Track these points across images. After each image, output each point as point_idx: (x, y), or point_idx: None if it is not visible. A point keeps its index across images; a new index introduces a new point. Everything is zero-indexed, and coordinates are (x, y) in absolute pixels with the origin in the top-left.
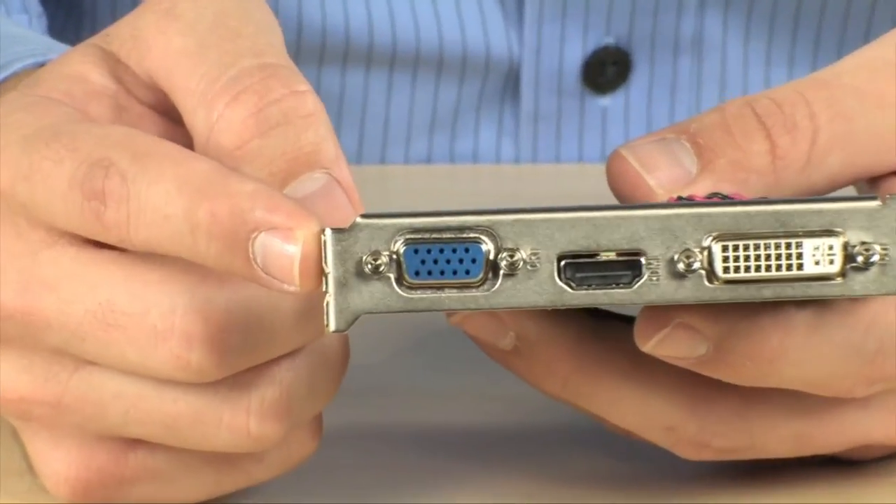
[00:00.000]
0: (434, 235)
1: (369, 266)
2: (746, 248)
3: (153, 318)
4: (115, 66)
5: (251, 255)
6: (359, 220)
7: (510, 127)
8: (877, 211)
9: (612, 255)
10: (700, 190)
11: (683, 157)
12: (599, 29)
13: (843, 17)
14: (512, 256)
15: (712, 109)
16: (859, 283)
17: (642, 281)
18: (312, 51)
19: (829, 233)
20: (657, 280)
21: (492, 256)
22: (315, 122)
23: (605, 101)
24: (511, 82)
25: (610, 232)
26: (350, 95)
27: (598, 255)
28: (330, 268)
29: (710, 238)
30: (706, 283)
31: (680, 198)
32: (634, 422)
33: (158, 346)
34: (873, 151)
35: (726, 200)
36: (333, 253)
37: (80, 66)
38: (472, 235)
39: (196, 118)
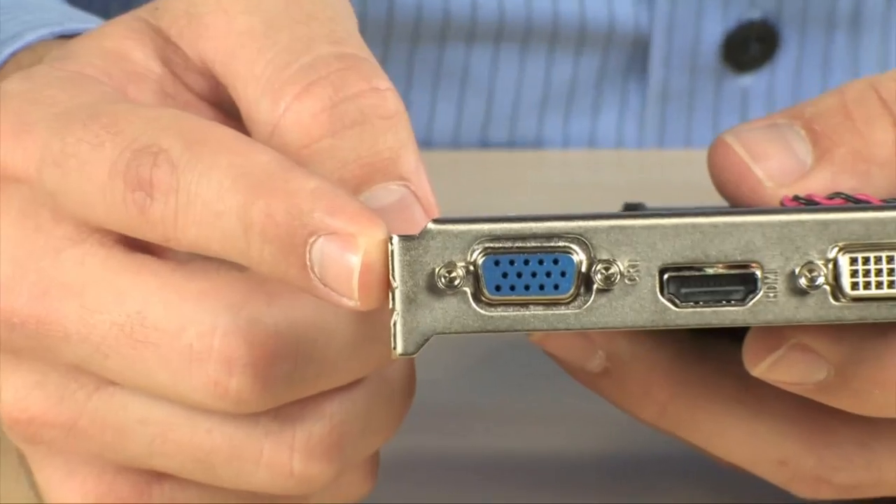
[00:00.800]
0: (518, 245)
1: (443, 279)
2: (878, 260)
3: (190, 336)
4: (164, 45)
5: (308, 263)
6: (431, 225)
7: (635, 107)
8: None
9: (722, 268)
10: (816, 184)
11: (797, 145)
12: (742, 1)
13: None
14: (607, 269)
15: (831, 92)
16: None
17: (757, 297)
18: (405, 25)
19: None
20: (775, 297)
21: (584, 269)
22: (396, 124)
23: (747, 80)
24: (638, 57)
25: (720, 241)
26: (448, 70)
27: (706, 267)
28: (397, 281)
29: (836, 249)
30: (831, 300)
31: (796, 198)
32: (742, 455)
33: (194, 369)
34: None
35: (854, 205)
36: (401, 264)
37: (121, 41)
38: (561, 244)
39: (258, 110)
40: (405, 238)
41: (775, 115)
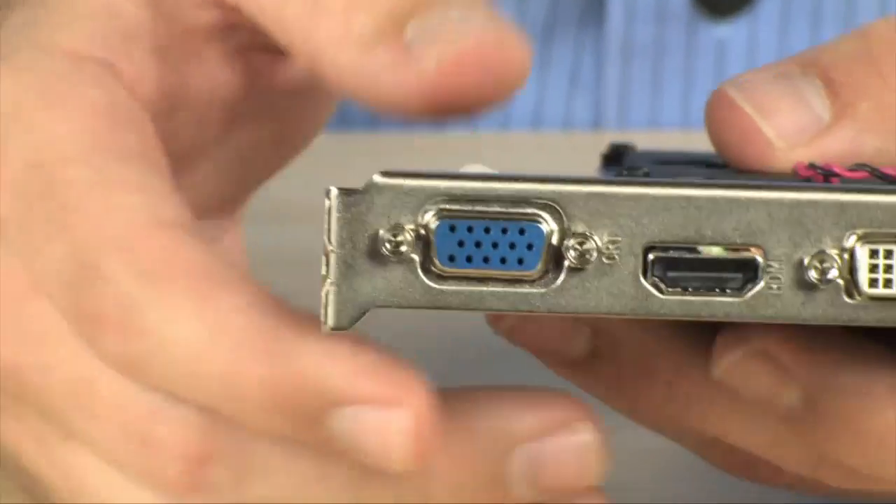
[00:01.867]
0: (478, 208)
1: (387, 244)
2: None
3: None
4: None
5: (329, 431)
6: (377, 178)
7: (590, 65)
8: None
9: (718, 251)
10: (836, 145)
11: (813, 98)
12: None
13: None
14: (582, 244)
15: (852, 34)
16: None
17: (758, 289)
18: None
19: None
20: (778, 289)
21: (555, 242)
22: None
23: (724, 29)
24: (593, 3)
25: (718, 218)
26: None
27: (699, 249)
28: (333, 244)
29: (854, 237)
30: (844, 297)
31: (812, 166)
32: (764, 437)
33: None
34: None
35: (880, 184)
36: (339, 222)
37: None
38: (530, 212)
39: (283, 11)
40: (346, 192)
41: (783, 62)
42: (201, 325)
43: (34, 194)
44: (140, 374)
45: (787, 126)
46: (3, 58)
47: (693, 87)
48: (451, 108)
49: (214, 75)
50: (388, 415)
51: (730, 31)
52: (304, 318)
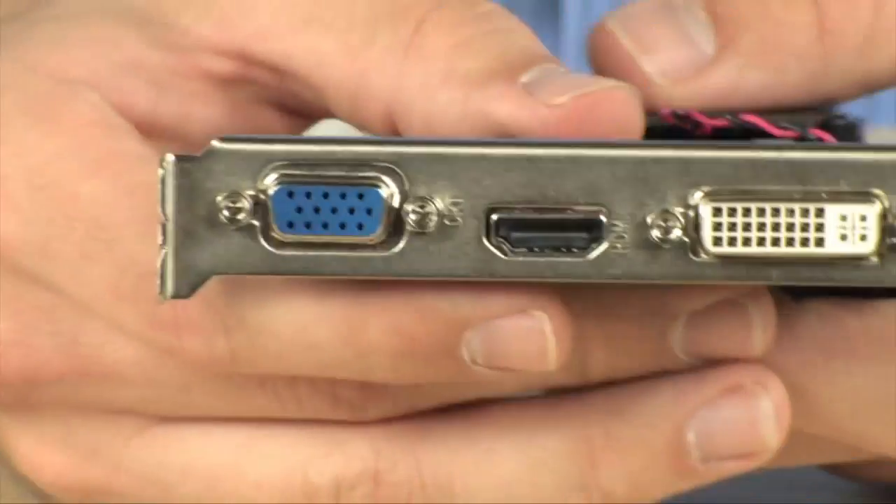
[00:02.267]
0: (317, 173)
1: (226, 211)
2: (747, 211)
3: None
4: (165, 31)
5: (465, 357)
6: (215, 143)
7: None
8: None
9: (562, 211)
10: (719, 80)
11: (695, 30)
12: None
13: None
14: (423, 207)
15: None
16: None
17: (602, 248)
18: None
19: (863, 196)
20: (623, 248)
21: (395, 206)
22: (521, 27)
23: None
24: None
25: (561, 178)
26: None
27: (542, 209)
28: (170, 211)
29: (700, 194)
30: (690, 255)
31: (674, 113)
32: None
33: None
34: None
35: (725, 142)
36: (176, 189)
37: (112, 28)
38: (369, 175)
39: (359, 58)
40: (183, 158)
41: None
42: (302, 304)
43: (52, 217)
44: (243, 365)
45: (667, 62)
46: None
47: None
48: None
49: (216, 120)
50: (524, 321)
51: None
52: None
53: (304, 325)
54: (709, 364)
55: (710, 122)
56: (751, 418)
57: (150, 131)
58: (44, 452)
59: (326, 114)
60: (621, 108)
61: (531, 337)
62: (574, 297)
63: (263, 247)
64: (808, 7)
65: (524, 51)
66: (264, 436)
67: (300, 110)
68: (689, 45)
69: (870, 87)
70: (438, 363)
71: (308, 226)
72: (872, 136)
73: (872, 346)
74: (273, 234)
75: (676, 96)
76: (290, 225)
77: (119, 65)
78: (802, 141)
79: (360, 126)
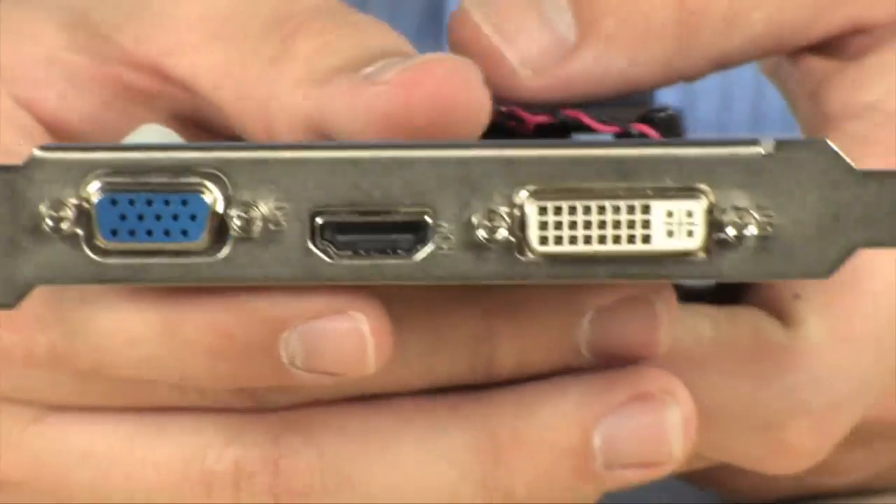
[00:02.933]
0: (140, 180)
1: (49, 220)
2: (573, 210)
3: None
4: (91, 37)
5: (283, 358)
6: (37, 152)
7: None
8: (758, 162)
9: (387, 214)
10: (581, 66)
11: (556, 16)
12: None
13: None
14: (247, 212)
15: None
16: (730, 262)
17: (428, 249)
18: None
19: (689, 192)
20: (449, 249)
21: (219, 211)
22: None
23: None
24: (432, 20)
25: (385, 180)
26: None
27: (367, 211)
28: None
29: (525, 193)
30: (516, 255)
31: (498, 109)
32: None
33: None
34: (802, 7)
35: (550, 141)
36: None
37: (36, 23)
38: (192, 182)
39: (245, 73)
40: (4, 169)
41: None
42: (120, 301)
43: None
44: (64, 363)
45: (528, 50)
46: None
47: None
48: (405, 128)
49: (129, 132)
50: (341, 322)
51: None
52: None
53: (122, 323)
54: (617, 366)
55: (532, 119)
56: (657, 427)
57: (58, 130)
58: None
59: (233, 131)
60: (447, 80)
61: (349, 338)
62: (478, 291)
63: (88, 255)
64: None
65: (377, 48)
66: (164, 422)
67: (212, 128)
68: (549, 32)
69: (725, 66)
70: (256, 364)
71: (132, 233)
72: None
73: (722, 359)
74: (97, 243)
75: (539, 86)
76: (114, 233)
77: (37, 58)
78: (626, 136)
79: (257, 141)
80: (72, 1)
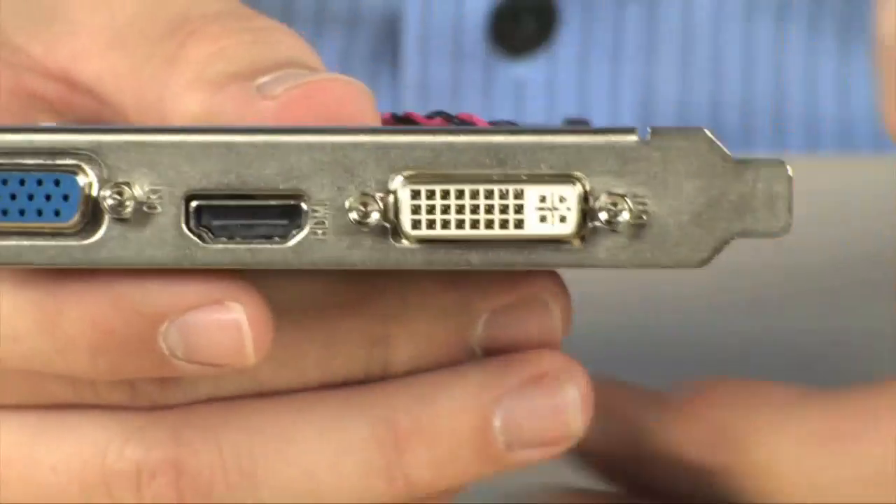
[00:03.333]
0: (14, 161)
1: None
2: (446, 194)
3: None
4: (1, 51)
5: (164, 350)
6: None
7: (385, 106)
8: (633, 149)
9: (261, 198)
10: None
11: None
12: None
13: None
14: (121, 194)
15: None
16: (605, 250)
17: (302, 234)
18: None
19: (563, 178)
20: (323, 234)
21: (93, 192)
22: (290, 35)
23: (522, 69)
24: (388, 40)
25: (260, 164)
26: None
27: (242, 196)
28: None
29: (400, 179)
30: (391, 240)
31: (395, 117)
32: None
33: None
34: None
35: (424, 127)
36: None
37: None
38: (67, 163)
39: (140, 76)
40: None
41: None
42: (2, 294)
43: None
44: None
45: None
46: None
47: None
48: None
49: None
50: (218, 312)
51: (528, 71)
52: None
53: (5, 318)
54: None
55: (426, 122)
56: (555, 406)
57: None
58: None
59: None
60: (334, 98)
61: (226, 329)
62: (375, 294)
63: None
64: None
65: (276, 58)
66: (60, 421)
67: None
68: None
69: None
70: (138, 357)
71: (5, 213)
72: None
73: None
74: None
75: None
76: None
77: None
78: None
79: None
80: None
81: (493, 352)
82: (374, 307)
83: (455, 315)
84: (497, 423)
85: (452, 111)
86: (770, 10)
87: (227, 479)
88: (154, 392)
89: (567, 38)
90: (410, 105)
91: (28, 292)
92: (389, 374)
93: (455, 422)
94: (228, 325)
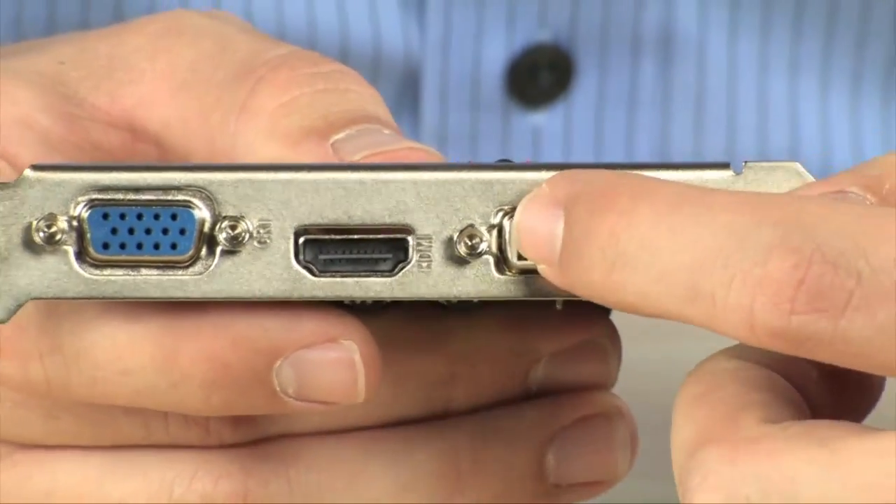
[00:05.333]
0: (131, 196)
1: (41, 235)
2: None
3: None
4: (64, 99)
5: (276, 387)
6: (28, 172)
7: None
8: (727, 182)
9: (368, 232)
10: None
11: None
12: (530, 20)
13: (862, 5)
14: (234, 228)
15: None
16: None
17: (408, 267)
18: None
19: None
20: (428, 267)
21: (208, 227)
22: (363, 87)
23: (539, 117)
24: (409, 89)
25: (367, 200)
26: None
27: (349, 231)
28: None
29: (502, 213)
30: (495, 272)
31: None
32: None
33: None
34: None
35: (520, 164)
36: None
37: (12, 88)
38: (181, 198)
39: (208, 122)
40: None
41: None
42: (115, 331)
43: None
44: (60, 392)
45: None
46: None
47: None
48: None
49: None
50: (333, 351)
51: (545, 119)
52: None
53: (118, 353)
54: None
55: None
56: (606, 445)
57: None
58: None
59: None
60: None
61: (340, 367)
62: (443, 334)
63: (79, 269)
64: None
65: (348, 111)
66: (130, 458)
67: None
68: None
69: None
70: (251, 393)
71: (123, 246)
72: None
73: None
74: (89, 256)
75: None
76: (105, 246)
77: (13, 118)
78: None
79: None
80: (45, 66)
81: (549, 390)
82: (442, 347)
83: (518, 357)
84: (550, 459)
85: (472, 158)
86: (782, 64)
87: None
88: (225, 432)
89: (583, 89)
90: (428, 142)
91: (143, 327)
92: (450, 411)
93: (511, 458)
94: (343, 363)
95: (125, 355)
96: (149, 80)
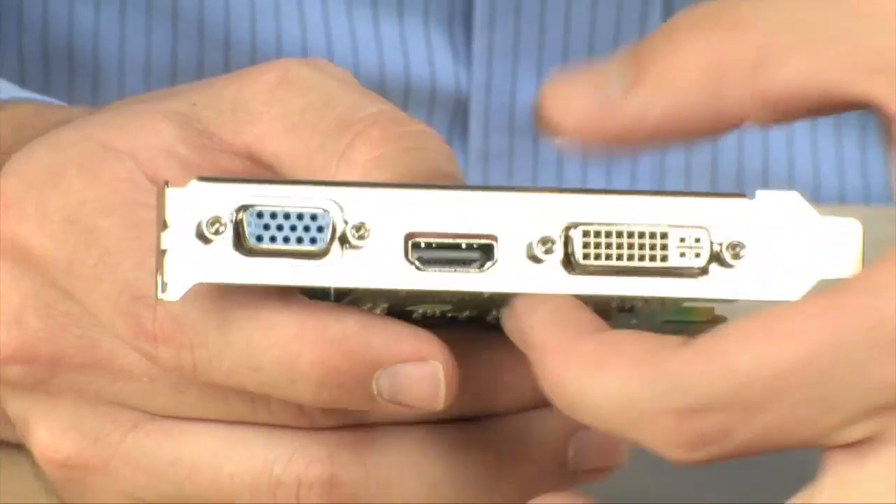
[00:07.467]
0: (279, 202)
1: (208, 230)
2: (609, 235)
3: None
4: (198, 134)
5: (373, 391)
6: (194, 182)
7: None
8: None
9: (463, 238)
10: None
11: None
12: (554, 66)
13: None
14: (358, 230)
15: None
16: (720, 282)
17: (495, 266)
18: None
19: (696, 227)
20: (510, 265)
21: (339, 227)
22: (449, 152)
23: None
24: (459, 118)
25: (463, 212)
26: None
27: (448, 235)
28: (172, 226)
29: (574, 224)
30: (564, 271)
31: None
32: None
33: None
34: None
35: (588, 187)
36: (171, 211)
37: (157, 122)
38: (318, 205)
39: (312, 163)
40: (175, 188)
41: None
42: (251, 335)
43: (76, 244)
44: (202, 377)
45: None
46: (48, 140)
47: (538, 181)
48: None
49: None
50: (423, 368)
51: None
52: (331, 306)
53: (253, 353)
54: None
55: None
56: (613, 439)
57: None
58: (55, 435)
59: None
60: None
61: (428, 381)
62: (487, 344)
63: (237, 256)
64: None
65: (427, 167)
66: (240, 435)
67: None
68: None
69: (765, 118)
70: (352, 393)
71: (273, 239)
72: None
73: None
74: (244, 246)
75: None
76: (259, 238)
77: (157, 148)
78: None
79: None
80: (180, 106)
81: None
82: (486, 358)
83: None
84: (570, 451)
85: (509, 176)
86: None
87: (368, 493)
88: (316, 415)
89: None
90: (473, 168)
91: (275, 334)
92: (496, 412)
93: (541, 450)
94: (429, 377)
95: (258, 355)
96: (265, 122)
